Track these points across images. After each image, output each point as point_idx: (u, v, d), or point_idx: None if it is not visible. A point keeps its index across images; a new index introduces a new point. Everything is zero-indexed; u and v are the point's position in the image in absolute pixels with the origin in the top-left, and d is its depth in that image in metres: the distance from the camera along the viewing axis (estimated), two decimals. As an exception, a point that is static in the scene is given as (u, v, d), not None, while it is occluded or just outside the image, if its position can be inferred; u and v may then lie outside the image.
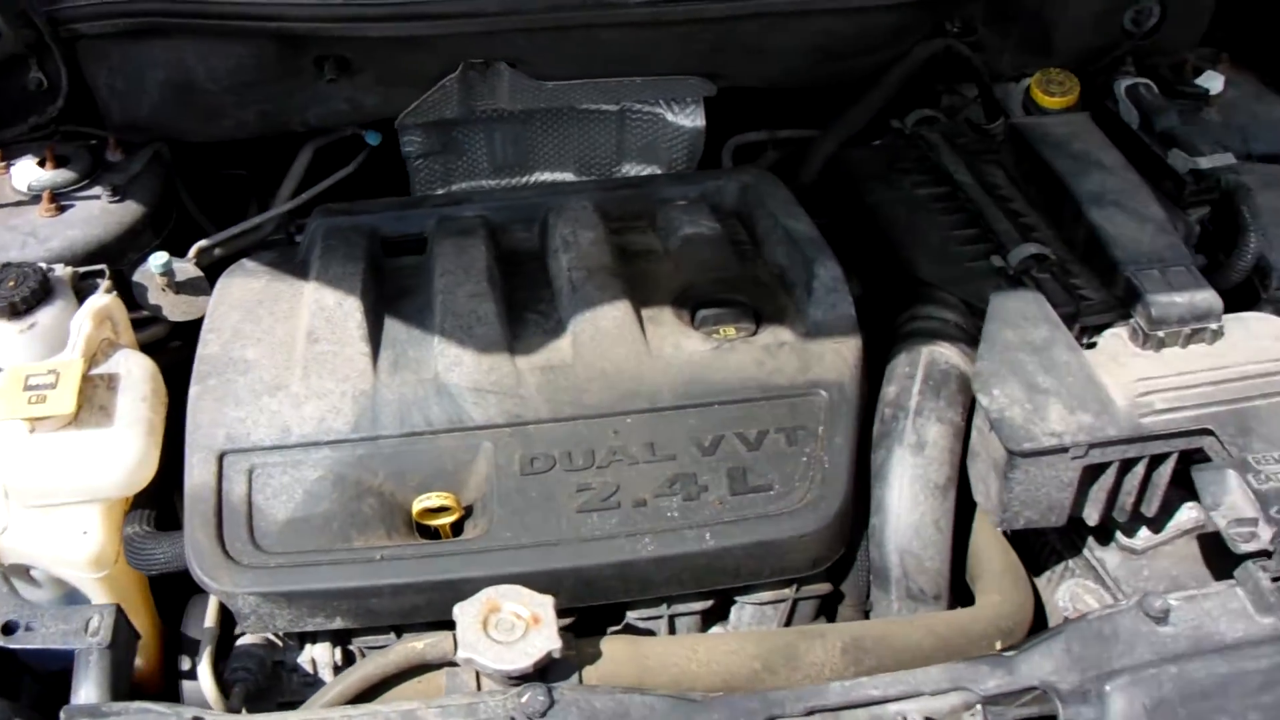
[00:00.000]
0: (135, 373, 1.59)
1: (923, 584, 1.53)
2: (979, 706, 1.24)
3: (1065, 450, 1.41)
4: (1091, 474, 1.46)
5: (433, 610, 1.38)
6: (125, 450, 1.51)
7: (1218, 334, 1.62)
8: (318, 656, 1.48)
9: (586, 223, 1.76)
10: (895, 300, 1.75)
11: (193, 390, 1.53)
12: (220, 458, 1.46)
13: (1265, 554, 1.35)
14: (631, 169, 2.14)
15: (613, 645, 1.35)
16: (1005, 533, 1.68)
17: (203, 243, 1.81)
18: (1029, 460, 1.41)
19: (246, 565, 1.39)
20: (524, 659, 1.26)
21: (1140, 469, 1.47)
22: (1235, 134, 2.01)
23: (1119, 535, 1.56)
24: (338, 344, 1.58)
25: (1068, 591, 1.56)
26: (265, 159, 2.02)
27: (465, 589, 1.32)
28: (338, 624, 1.42)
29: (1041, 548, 1.65)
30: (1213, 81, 2.09)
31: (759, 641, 1.41)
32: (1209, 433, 1.45)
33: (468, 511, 1.47)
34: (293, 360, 1.57)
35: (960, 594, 1.60)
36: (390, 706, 1.24)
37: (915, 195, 1.87)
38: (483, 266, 1.68)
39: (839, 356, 1.58)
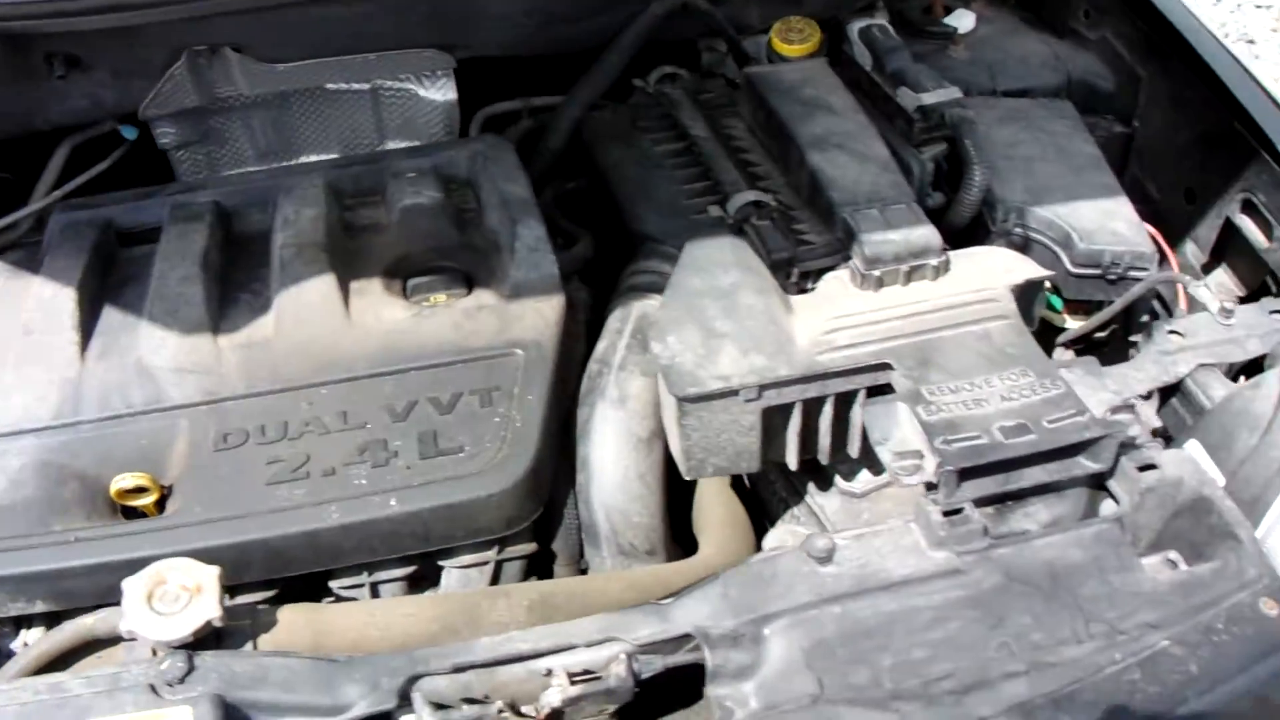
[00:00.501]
0: None
1: (633, 539, 1.54)
2: (623, 656, 1.24)
3: (735, 393, 1.40)
4: (776, 416, 1.46)
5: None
6: None
7: (941, 269, 1.61)
8: (30, 640, 1.49)
9: (311, 200, 1.76)
10: (622, 257, 1.75)
11: None
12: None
13: (932, 486, 1.35)
14: (395, 146, 2.14)
15: (289, 614, 1.36)
16: (748, 483, 1.69)
17: (-47, 246, 1.81)
18: (699, 406, 1.41)
19: (-53, 553, 1.39)
20: (184, 629, 1.26)
21: (829, 409, 1.46)
22: (983, 70, 2.01)
23: (838, 479, 1.56)
24: (50, 334, 1.60)
25: (776, 537, 1.56)
26: (27, 159, 2.01)
27: (158, 566, 1.33)
28: (40, 607, 1.42)
29: (771, 496, 1.65)
30: (962, 20, 2.09)
31: (438, 604, 1.41)
32: (888, 367, 1.45)
33: (169, 491, 1.48)
34: (6, 353, 1.58)
35: (692, 548, 1.60)
36: (39, 679, 1.25)
37: (652, 152, 1.86)
38: (198, 251, 1.68)
39: (539, 316, 1.59)
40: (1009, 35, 2.09)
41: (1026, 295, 1.65)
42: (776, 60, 2.01)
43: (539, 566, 1.57)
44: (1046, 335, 1.80)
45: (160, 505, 1.47)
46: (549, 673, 1.23)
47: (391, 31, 1.87)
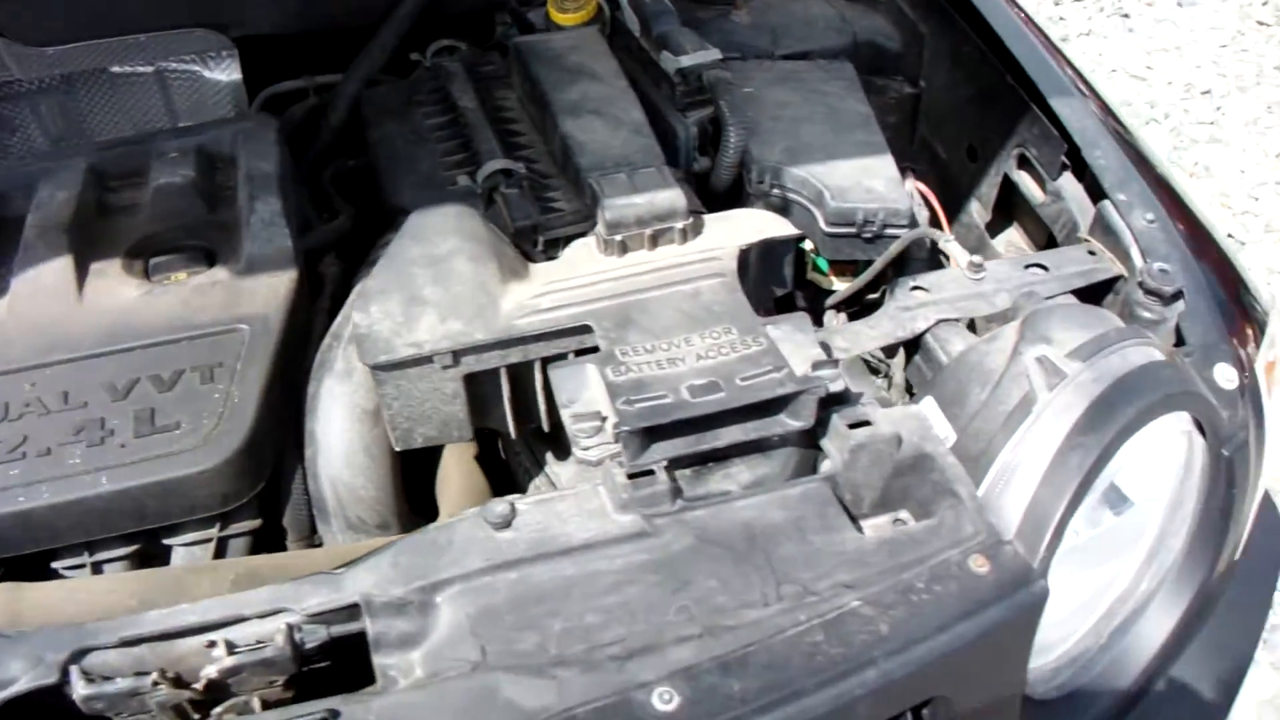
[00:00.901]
0: None
1: (360, 513, 1.53)
2: (285, 625, 1.23)
3: (429, 360, 1.39)
4: (483, 384, 1.45)
5: None
6: None
7: (690, 233, 1.60)
8: None
9: (66, 183, 1.74)
10: (377, 232, 1.74)
11: None
12: None
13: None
14: (188, 121, 2.13)
15: None
16: (503, 453, 1.68)
17: None
18: (394, 374, 1.40)
19: None
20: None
21: (538, 374, 1.45)
22: (765, 34, 1.99)
23: (575, 447, 1.55)
24: None
25: (499, 507, 1.54)
26: None
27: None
28: None
29: (517, 466, 1.65)
30: (748, -20, 2.07)
31: (140, 580, 1.40)
32: (587, 329, 1.43)
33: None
34: None
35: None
36: None
37: (420, 126, 1.85)
38: None
39: (270, 291, 1.57)
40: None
41: (772, 255, 1.64)
42: (553, 30, 1.99)
43: (271, 543, 1.57)
44: (818, 299, 1.79)
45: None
46: (212, 644, 1.23)
47: (156, 10, 1.86)
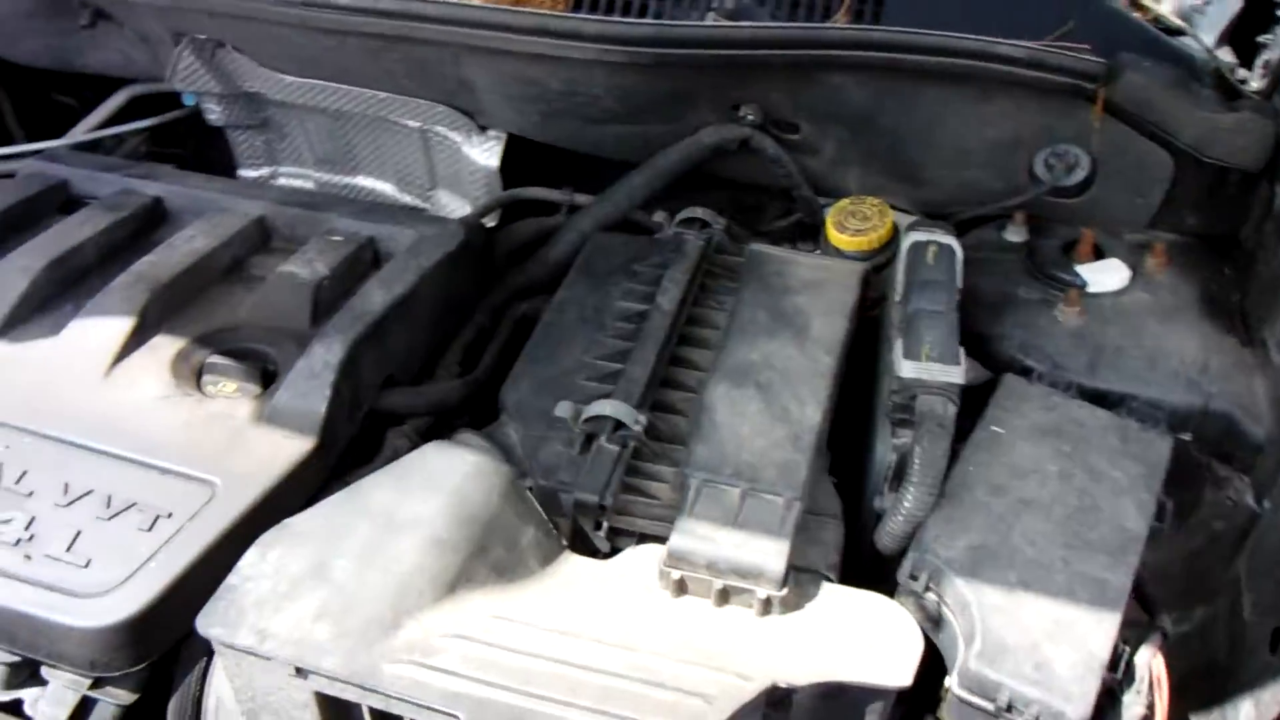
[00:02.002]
0: None
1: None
2: None
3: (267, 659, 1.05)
4: (343, 711, 1.08)
5: None
6: None
7: (777, 606, 1.16)
8: None
9: (220, 227, 1.59)
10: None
11: None
12: None
13: None
14: (444, 196, 1.92)
15: None
16: None
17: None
18: (235, 653, 1.07)
19: None
20: None
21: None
22: (1084, 351, 1.40)
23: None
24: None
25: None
26: (96, 95, 2.02)
27: None
28: None
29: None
30: (1107, 274, 1.47)
31: None
32: None
33: None
34: None
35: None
36: None
37: (608, 305, 1.48)
38: (72, 243, 1.56)
39: (273, 452, 1.31)
40: (1159, 316, 1.45)
41: (849, 703, 1.13)
42: (828, 248, 1.54)
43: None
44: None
45: None
46: None
47: (386, 75, 1.65)
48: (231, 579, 1.10)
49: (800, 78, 1.46)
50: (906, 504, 1.22)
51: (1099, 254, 1.51)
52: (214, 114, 1.92)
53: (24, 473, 1.32)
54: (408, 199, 2.00)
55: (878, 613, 1.18)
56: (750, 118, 1.57)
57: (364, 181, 1.98)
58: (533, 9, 1.56)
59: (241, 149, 1.98)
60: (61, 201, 1.72)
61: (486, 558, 1.15)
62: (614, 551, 1.27)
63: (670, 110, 1.60)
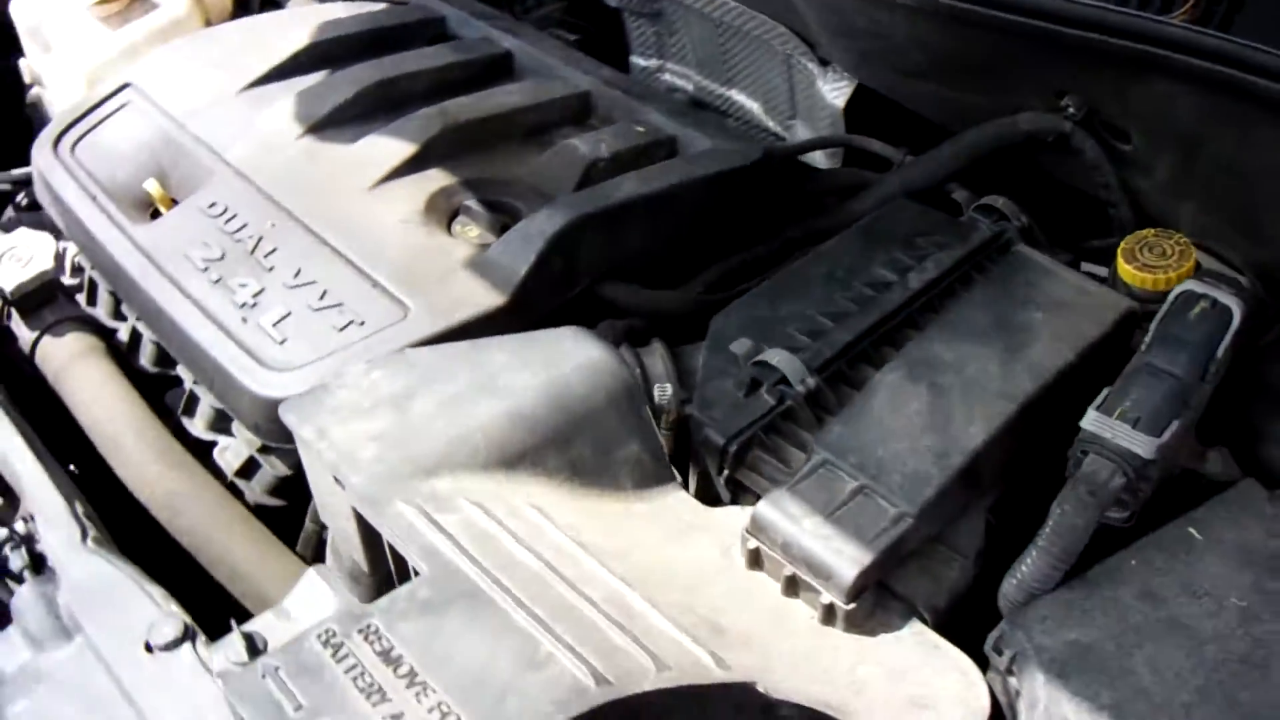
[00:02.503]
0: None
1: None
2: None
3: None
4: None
5: None
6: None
7: (840, 619, 1.06)
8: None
9: (530, 91, 1.66)
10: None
11: None
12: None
13: None
14: (800, 128, 1.86)
15: None
16: None
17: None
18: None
19: None
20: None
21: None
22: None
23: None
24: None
25: None
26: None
27: None
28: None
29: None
30: None
31: None
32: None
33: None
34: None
35: None
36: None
37: (857, 266, 1.37)
38: (407, 69, 1.68)
39: (468, 296, 1.36)
40: None
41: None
42: (1117, 282, 1.33)
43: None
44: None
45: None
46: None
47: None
48: (330, 382, 1.16)
49: (1128, 76, 1.25)
50: (1024, 567, 1.05)
51: None
52: (616, -2, 1.98)
53: (274, 249, 1.46)
54: (770, 124, 1.96)
55: (950, 669, 1.04)
56: (1072, 111, 1.37)
57: (736, 95, 1.96)
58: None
59: (635, 36, 2.03)
60: (434, 35, 1.86)
61: (566, 451, 1.12)
62: (733, 504, 1.21)
63: (985, 81, 1.43)
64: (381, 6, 1.91)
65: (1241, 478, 1.18)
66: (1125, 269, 1.31)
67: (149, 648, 0.99)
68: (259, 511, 1.41)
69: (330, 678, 0.87)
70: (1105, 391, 1.12)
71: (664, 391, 1.32)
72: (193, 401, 1.49)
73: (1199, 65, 1.16)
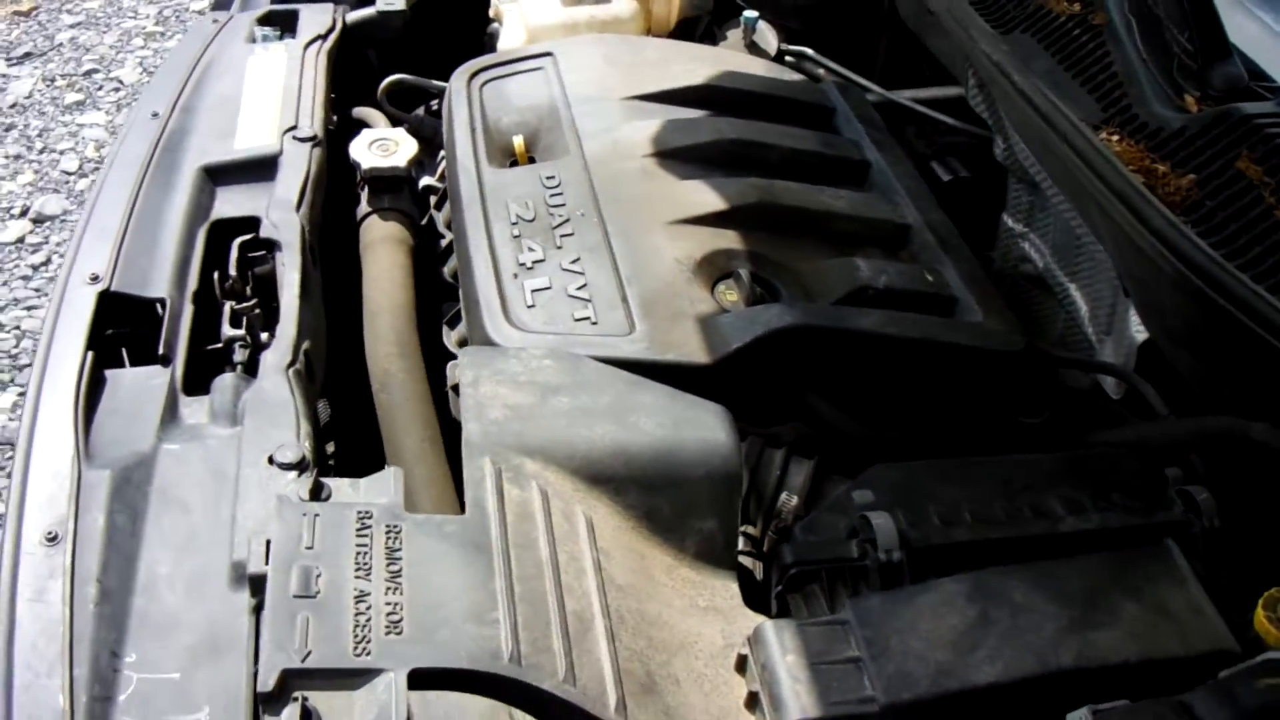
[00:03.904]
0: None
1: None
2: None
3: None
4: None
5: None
6: None
7: None
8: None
9: (860, 204, 1.78)
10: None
11: None
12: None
13: None
14: (1109, 345, 1.84)
15: None
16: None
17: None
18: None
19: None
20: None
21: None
22: None
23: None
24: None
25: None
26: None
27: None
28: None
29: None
30: None
31: None
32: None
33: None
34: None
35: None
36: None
37: (1023, 480, 1.40)
38: (758, 134, 1.85)
39: (687, 344, 1.52)
40: None
41: None
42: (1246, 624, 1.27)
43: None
44: None
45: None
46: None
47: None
48: (510, 350, 1.37)
49: None
50: None
51: None
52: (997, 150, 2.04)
53: (571, 234, 1.65)
54: (1089, 330, 1.93)
55: None
56: None
57: (1073, 291, 1.89)
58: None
59: (1011, 197, 2.02)
60: (817, 121, 1.99)
61: (647, 496, 1.26)
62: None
63: (1236, 377, 1.41)
64: (797, 78, 2.09)
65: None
66: (1260, 618, 1.26)
67: (271, 460, 1.25)
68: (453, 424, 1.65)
69: (343, 541, 1.07)
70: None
71: (788, 500, 1.43)
72: (456, 318, 1.75)
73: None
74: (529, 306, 1.56)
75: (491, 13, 2.33)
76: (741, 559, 1.39)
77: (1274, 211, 1.31)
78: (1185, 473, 1.47)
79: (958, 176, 2.18)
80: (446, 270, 1.85)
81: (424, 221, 1.98)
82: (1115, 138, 1.51)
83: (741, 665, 1.19)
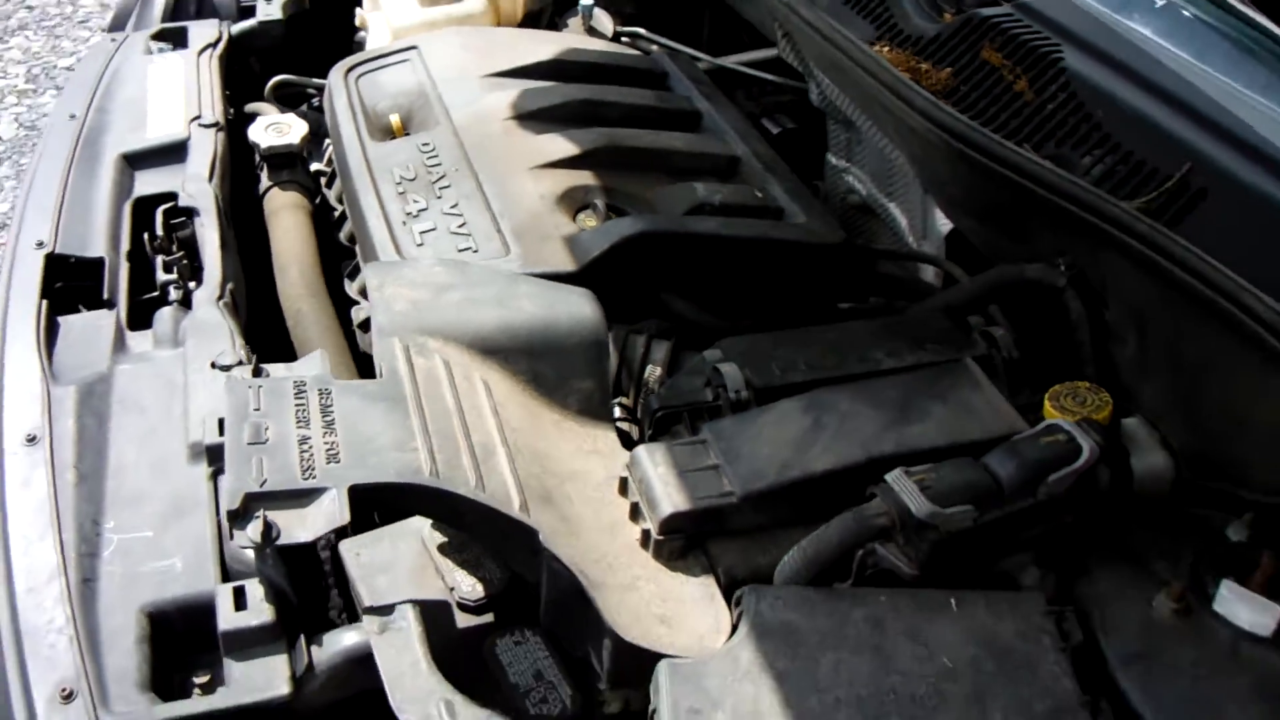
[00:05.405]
0: None
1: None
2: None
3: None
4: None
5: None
6: None
7: None
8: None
9: (696, 141, 2.08)
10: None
11: None
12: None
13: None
14: (926, 246, 2.15)
15: None
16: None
17: None
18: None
19: None
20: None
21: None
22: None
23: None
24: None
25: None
26: None
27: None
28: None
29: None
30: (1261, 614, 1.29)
31: None
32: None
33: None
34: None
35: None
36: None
37: (851, 339, 1.67)
38: (601, 94, 2.15)
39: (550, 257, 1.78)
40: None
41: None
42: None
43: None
44: None
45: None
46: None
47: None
48: (408, 261, 1.62)
49: (1094, 246, 1.47)
50: (786, 558, 1.33)
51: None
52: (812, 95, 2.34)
53: (448, 186, 1.90)
54: (910, 240, 2.21)
55: (708, 614, 1.32)
56: (1064, 269, 1.60)
57: (893, 210, 2.19)
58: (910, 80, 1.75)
59: (831, 137, 2.28)
60: (654, 84, 2.28)
61: (532, 362, 1.52)
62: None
63: (1005, 225, 1.70)
64: (630, 51, 2.39)
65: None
66: (1047, 407, 1.56)
67: (213, 364, 1.48)
68: (363, 357, 1.89)
69: (284, 404, 1.31)
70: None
71: (652, 371, 1.70)
72: (356, 271, 2.00)
73: (1136, 248, 1.40)
74: (418, 245, 1.81)
75: (358, 21, 2.59)
76: (619, 425, 1.65)
77: (1013, 86, 1.64)
78: (986, 320, 1.77)
79: (785, 129, 2.49)
80: (343, 235, 2.09)
81: (317, 201, 2.22)
82: (886, 49, 1.83)
83: (624, 488, 1.44)
